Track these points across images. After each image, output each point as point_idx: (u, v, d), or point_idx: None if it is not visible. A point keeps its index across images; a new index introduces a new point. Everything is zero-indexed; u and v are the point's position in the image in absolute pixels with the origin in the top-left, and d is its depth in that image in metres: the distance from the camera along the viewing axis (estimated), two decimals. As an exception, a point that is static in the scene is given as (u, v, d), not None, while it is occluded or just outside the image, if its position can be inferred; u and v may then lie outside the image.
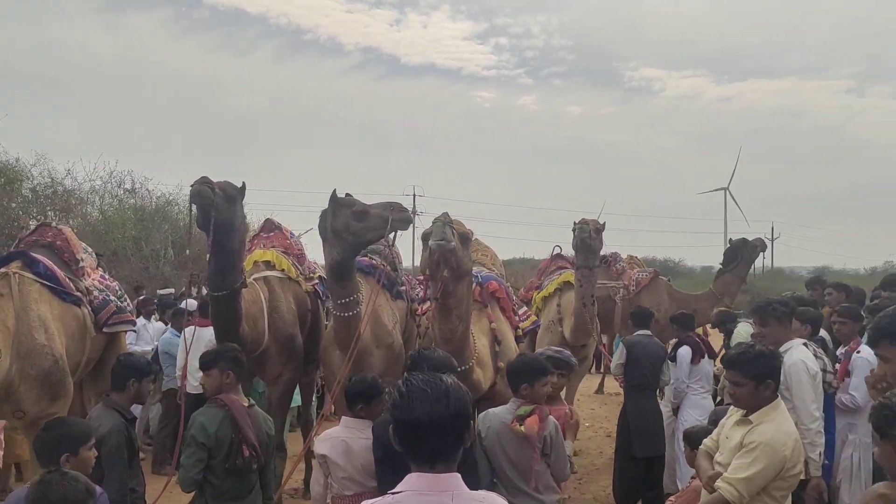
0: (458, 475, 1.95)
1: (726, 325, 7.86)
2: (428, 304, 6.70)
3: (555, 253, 9.25)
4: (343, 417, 4.08)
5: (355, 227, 5.01)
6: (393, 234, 5.19)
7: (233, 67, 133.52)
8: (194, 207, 4.90)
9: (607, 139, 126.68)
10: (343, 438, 3.76)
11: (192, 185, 4.80)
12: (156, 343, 8.49)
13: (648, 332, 6.72)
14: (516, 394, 3.87)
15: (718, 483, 3.26)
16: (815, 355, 4.57)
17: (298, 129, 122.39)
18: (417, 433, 1.88)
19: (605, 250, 8.76)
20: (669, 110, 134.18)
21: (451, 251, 4.59)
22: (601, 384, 12.94)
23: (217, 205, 4.78)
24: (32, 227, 5.64)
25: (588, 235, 6.86)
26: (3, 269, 4.72)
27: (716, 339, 9.08)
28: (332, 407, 5.75)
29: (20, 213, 14.30)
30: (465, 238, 5.05)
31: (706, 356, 6.79)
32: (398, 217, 5.11)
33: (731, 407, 3.61)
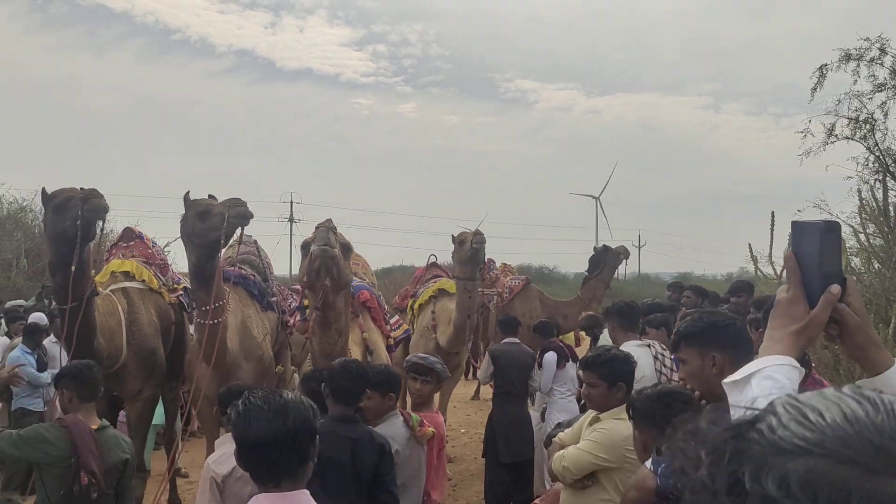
0: (307, 492, 1.92)
1: (593, 329, 8.18)
2: (298, 315, 6.62)
3: (430, 261, 9.37)
4: (225, 435, 3.87)
5: (199, 228, 4.86)
6: (236, 231, 5.01)
7: (93, 66, 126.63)
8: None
9: (484, 148, 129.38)
10: None
11: (88, 199, 4.67)
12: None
13: (516, 340, 6.88)
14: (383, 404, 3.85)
15: (555, 457, 3.39)
16: (655, 356, 4.82)
17: (165, 133, 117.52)
18: (258, 451, 1.85)
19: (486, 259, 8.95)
20: (543, 121, 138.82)
21: (333, 258, 4.54)
22: (476, 391, 13.15)
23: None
24: None
25: (482, 248, 7.06)
26: None
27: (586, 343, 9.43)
28: (197, 423, 5.56)
29: None
30: (347, 248, 5.02)
31: (570, 360, 7.04)
32: (234, 213, 4.88)
33: (588, 410, 3.75)
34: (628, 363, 3.60)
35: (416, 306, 8.55)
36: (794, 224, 1.35)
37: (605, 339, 7.55)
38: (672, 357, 4.81)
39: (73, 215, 4.60)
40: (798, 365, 1.25)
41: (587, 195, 48.77)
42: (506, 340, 6.86)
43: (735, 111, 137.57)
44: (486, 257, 10.97)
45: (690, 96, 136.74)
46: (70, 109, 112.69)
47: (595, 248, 10.70)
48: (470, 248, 7.09)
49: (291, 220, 43.03)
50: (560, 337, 7.91)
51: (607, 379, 3.45)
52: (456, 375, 8.33)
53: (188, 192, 4.97)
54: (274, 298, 6.64)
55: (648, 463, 2.65)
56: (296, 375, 7.20)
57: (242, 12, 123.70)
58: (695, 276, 43.03)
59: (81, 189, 4.71)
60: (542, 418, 6.98)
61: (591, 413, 3.63)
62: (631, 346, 4.65)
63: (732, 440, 0.67)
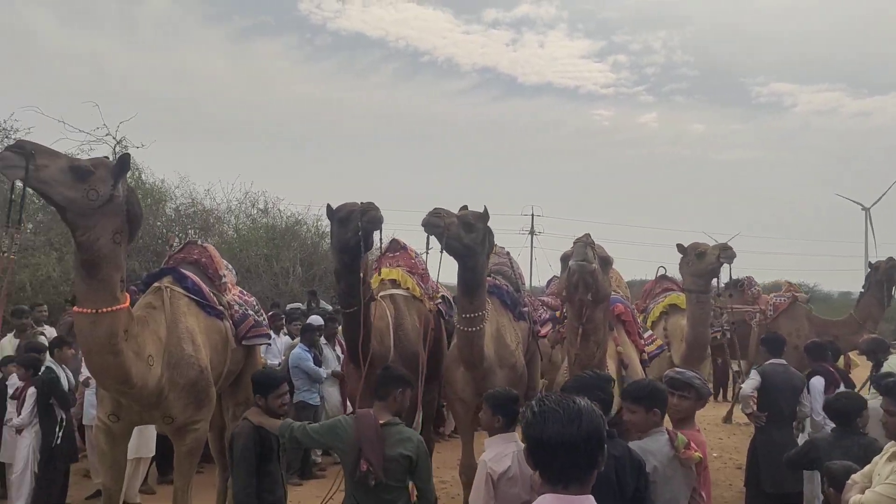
0: (592, 498, 1.94)
1: (876, 354, 7.37)
2: (550, 326, 6.70)
3: (659, 274, 8.99)
4: (498, 435, 3.97)
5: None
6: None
7: (354, 90, 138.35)
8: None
9: (732, 157, 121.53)
10: (516, 452, 3.76)
11: (366, 211, 5.13)
12: (282, 357, 8.87)
13: (783, 361, 6.39)
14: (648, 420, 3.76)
15: (851, 502, 3.09)
16: None
17: (416, 149, 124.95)
18: (549, 453, 1.90)
19: (737, 273, 8.47)
20: (801, 126, 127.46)
21: (591, 273, 4.55)
22: (729, 413, 12.38)
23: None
24: (179, 245, 6.05)
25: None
26: (156, 284, 5.12)
27: (863, 368, 8.52)
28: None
29: (164, 231, 15.34)
30: (606, 262, 5.00)
31: (841, 386, 6.40)
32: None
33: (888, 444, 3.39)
34: None
35: (648, 323, 8.24)
36: None
37: (891, 365, 6.79)
38: None
39: (355, 227, 5.07)
40: None
41: (856, 202, 43.49)
42: (770, 361, 6.39)
43: None
44: (744, 274, 10.42)
45: None
46: (334, 130, 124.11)
47: (870, 263, 9.64)
48: (715, 262, 6.73)
49: (532, 232, 43.75)
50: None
51: None
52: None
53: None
54: (525, 308, 6.79)
55: None
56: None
57: (485, 31, 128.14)
58: None
59: (361, 203, 5.18)
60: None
61: (889, 448, 3.28)
62: None
63: None
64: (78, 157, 4.32)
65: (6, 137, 13.08)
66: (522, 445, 3.57)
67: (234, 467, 4.14)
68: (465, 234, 5.15)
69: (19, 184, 3.81)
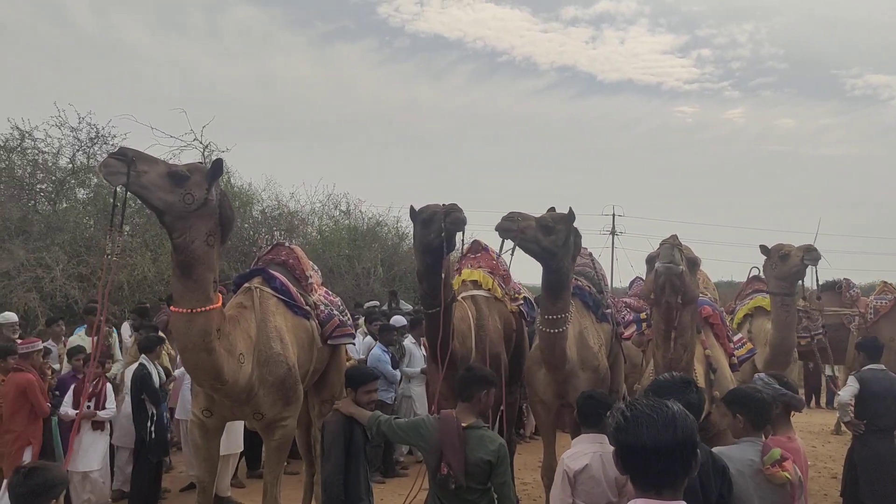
0: (684, 503, 1.90)
1: None
2: (633, 328, 6.57)
3: (752, 275, 8.67)
4: (582, 435, 4.02)
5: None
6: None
7: (430, 92, 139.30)
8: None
9: (825, 152, 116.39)
10: (599, 453, 3.76)
11: (449, 213, 5.18)
12: (362, 356, 9.00)
13: (882, 366, 6.09)
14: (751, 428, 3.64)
15: None
16: None
17: (494, 150, 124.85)
18: (642, 458, 1.86)
19: (831, 275, 8.13)
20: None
21: (678, 275, 4.48)
22: (839, 423, 11.18)
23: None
24: (268, 247, 6.22)
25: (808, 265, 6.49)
26: (246, 284, 5.29)
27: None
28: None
29: (252, 232, 15.82)
30: (693, 263, 4.92)
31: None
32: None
33: None
34: None
35: (734, 325, 7.96)
36: None
37: None
38: None
39: (437, 228, 5.11)
40: None
41: None
42: (869, 367, 6.10)
43: None
44: (838, 275, 9.94)
45: None
46: (414, 132, 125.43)
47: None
48: (799, 264, 6.48)
49: (613, 232, 43.01)
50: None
51: None
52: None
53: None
54: (609, 310, 6.69)
55: None
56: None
57: (564, 29, 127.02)
58: None
59: (443, 205, 5.21)
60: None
61: None
62: None
63: None
64: (169, 161, 4.53)
65: (105, 143, 13.74)
66: (610, 448, 3.52)
67: (325, 455, 4.28)
68: (543, 236, 5.15)
69: (121, 189, 4.00)
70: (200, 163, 4.68)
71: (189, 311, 4.21)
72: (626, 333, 6.66)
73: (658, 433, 1.83)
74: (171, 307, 4.39)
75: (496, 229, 5.22)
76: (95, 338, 4.64)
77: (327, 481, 4.18)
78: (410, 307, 12.58)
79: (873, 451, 5.75)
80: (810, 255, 6.49)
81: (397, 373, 8.59)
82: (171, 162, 4.48)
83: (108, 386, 6.86)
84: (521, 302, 6.93)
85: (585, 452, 3.81)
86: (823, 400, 14.45)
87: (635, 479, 1.90)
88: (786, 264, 6.61)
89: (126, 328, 9.55)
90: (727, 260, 76.70)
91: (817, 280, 7.04)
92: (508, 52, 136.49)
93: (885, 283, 9.70)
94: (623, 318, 6.91)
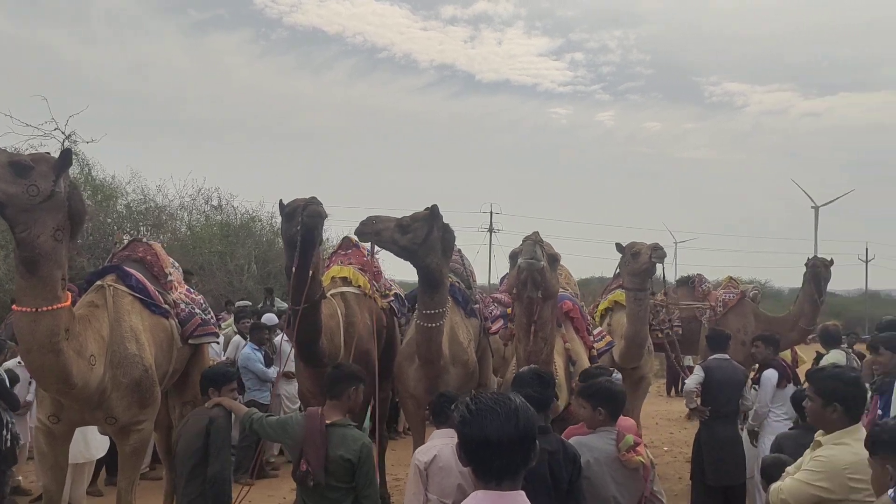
0: (523, 493, 1.97)
1: (828, 344, 7.65)
2: (500, 323, 6.74)
3: (617, 271, 9.11)
4: (436, 430, 4.16)
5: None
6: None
7: (310, 86, 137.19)
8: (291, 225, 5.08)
9: (688, 155, 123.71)
10: (449, 445, 3.76)
11: (307, 206, 5.01)
12: (223, 356, 8.77)
13: (726, 356, 6.53)
14: (594, 418, 3.80)
15: (772, 489, 3.20)
16: None
17: (374, 146, 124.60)
18: (486, 450, 1.92)
19: (690, 270, 8.62)
20: (753, 126, 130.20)
21: (539, 271, 4.62)
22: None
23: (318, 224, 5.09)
24: (125, 243, 5.94)
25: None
26: (98, 282, 5.01)
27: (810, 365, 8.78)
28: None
29: (115, 228, 15.03)
30: (554, 259, 5.11)
31: (791, 382, 6.58)
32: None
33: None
34: (850, 385, 3.27)
35: (596, 319, 8.32)
36: None
37: (829, 359, 7.00)
38: None
39: (297, 221, 5.03)
40: None
41: (807, 193, 43.91)
42: (714, 356, 6.53)
43: None
44: (696, 271, 10.57)
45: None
46: (291, 127, 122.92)
47: (808, 260, 9.85)
48: (647, 262, 6.85)
49: (491, 230, 43.98)
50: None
51: (822, 395, 3.25)
52: (641, 391, 7.98)
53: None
54: (476, 305, 6.82)
55: (891, 492, 2.44)
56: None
57: (444, 28, 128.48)
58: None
59: (306, 199, 5.14)
60: (754, 441, 6.58)
61: (816, 438, 3.38)
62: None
63: None
64: (23, 152, 4.20)
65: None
66: None
67: (217, 451, 4.31)
68: (400, 236, 5.32)
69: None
70: (48, 153, 4.39)
71: (34, 310, 3.96)
72: (493, 328, 6.82)
73: (501, 426, 1.89)
74: (14, 306, 4.11)
75: (354, 234, 5.45)
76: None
77: (218, 478, 4.25)
78: (286, 305, 12.34)
79: (716, 435, 6.13)
80: (657, 252, 6.83)
81: (271, 371, 8.42)
82: (28, 153, 4.20)
83: None
84: (392, 298, 6.95)
85: (436, 445, 3.92)
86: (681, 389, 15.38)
87: (477, 471, 1.96)
88: (636, 261, 6.93)
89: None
90: (598, 257, 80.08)
91: (664, 275, 7.45)
92: (388, 49, 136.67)
93: (731, 278, 10.42)
94: (491, 313, 7.07)
